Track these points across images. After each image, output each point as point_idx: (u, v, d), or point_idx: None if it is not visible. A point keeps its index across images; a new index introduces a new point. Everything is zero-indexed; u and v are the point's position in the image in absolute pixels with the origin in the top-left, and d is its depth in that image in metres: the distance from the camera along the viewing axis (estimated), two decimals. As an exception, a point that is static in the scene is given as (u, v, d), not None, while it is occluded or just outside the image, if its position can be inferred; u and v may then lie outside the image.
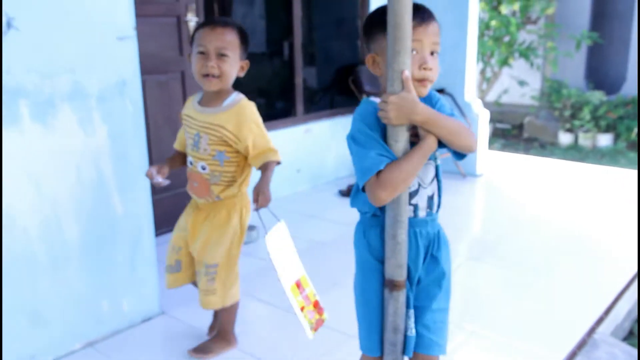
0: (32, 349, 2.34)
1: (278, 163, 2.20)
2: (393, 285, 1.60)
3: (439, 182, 1.64)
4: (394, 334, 1.64)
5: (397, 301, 1.61)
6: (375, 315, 1.68)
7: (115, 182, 2.48)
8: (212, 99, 2.20)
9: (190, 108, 2.26)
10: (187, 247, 2.35)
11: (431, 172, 1.62)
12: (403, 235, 1.56)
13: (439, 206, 1.66)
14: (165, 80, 3.71)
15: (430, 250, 1.66)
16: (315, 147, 4.94)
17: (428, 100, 1.59)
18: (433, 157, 1.61)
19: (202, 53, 2.10)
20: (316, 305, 2.26)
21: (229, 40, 2.10)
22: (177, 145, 2.39)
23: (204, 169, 2.21)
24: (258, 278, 3.22)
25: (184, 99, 3.79)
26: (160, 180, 2.19)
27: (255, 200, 2.09)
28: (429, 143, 1.50)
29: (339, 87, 5.33)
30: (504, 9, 8.41)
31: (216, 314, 2.57)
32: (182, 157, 2.36)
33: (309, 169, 4.91)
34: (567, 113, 8.47)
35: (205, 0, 3.93)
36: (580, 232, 3.90)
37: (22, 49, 2.13)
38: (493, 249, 3.62)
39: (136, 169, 2.56)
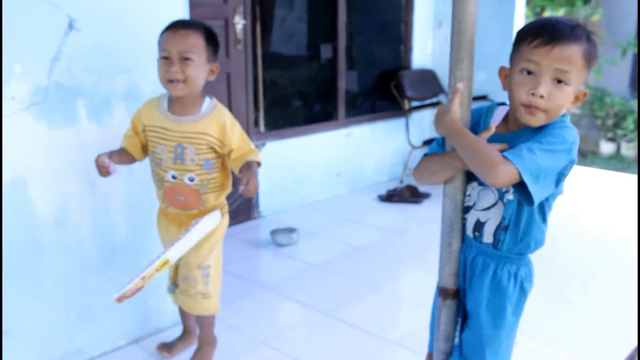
0: (80, 343, 2.39)
1: (258, 164, 2.14)
2: (446, 294, 1.59)
3: (504, 219, 1.50)
4: (446, 342, 1.63)
5: (450, 310, 1.60)
6: (433, 313, 1.75)
7: (164, 181, 2.52)
8: (186, 107, 2.09)
9: (159, 118, 2.11)
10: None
11: (490, 199, 1.51)
12: (458, 243, 1.56)
13: (500, 242, 1.53)
14: (211, 82, 3.72)
15: (466, 274, 1.59)
16: (356, 151, 4.93)
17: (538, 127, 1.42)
18: (499, 188, 1.47)
19: (165, 58, 1.99)
20: (140, 289, 2.13)
21: (193, 43, 1.99)
22: (125, 145, 2.20)
23: (192, 180, 2.12)
24: (297, 280, 3.23)
25: (229, 100, 3.82)
26: (112, 167, 2.05)
27: (245, 184, 1.98)
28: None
29: (381, 92, 5.31)
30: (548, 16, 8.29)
31: (185, 321, 2.53)
32: (128, 156, 2.19)
33: (349, 173, 4.90)
34: (609, 122, 8.31)
35: (253, 2, 3.96)
36: (623, 244, 3.81)
37: (82, 50, 2.18)
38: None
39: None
